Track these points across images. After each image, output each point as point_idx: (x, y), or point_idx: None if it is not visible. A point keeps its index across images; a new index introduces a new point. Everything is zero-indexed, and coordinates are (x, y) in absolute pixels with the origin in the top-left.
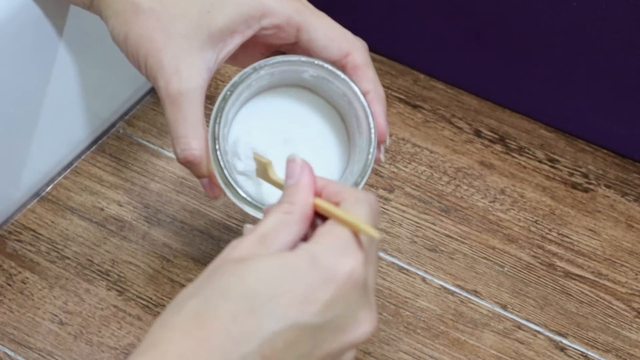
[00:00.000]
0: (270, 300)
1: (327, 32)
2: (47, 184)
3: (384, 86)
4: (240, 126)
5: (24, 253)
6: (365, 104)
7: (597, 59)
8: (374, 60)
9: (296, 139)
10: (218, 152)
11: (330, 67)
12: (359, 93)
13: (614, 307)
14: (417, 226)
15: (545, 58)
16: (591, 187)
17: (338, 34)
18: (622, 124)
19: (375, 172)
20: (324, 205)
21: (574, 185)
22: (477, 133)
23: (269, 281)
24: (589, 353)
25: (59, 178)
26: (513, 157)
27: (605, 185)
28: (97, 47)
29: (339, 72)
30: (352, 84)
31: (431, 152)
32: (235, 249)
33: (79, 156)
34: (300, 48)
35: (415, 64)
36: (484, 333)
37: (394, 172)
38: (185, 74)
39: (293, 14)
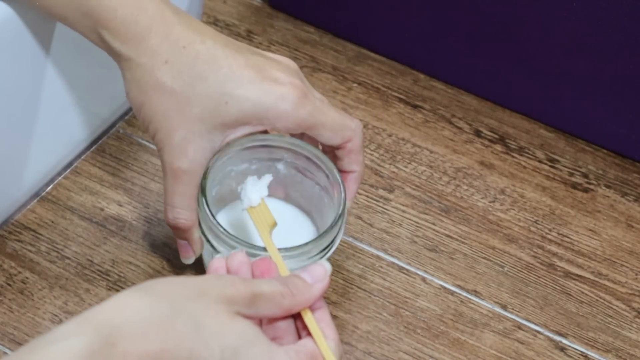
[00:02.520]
0: None
1: (333, 126)
2: (47, 184)
3: (383, 86)
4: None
5: (24, 253)
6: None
7: (597, 59)
8: (374, 60)
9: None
10: (211, 233)
11: (316, 157)
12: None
13: (614, 307)
14: (417, 226)
15: (545, 58)
16: (591, 187)
17: (341, 124)
18: (622, 124)
19: (375, 172)
20: (315, 329)
21: (574, 185)
22: (477, 133)
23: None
24: (589, 353)
25: (59, 178)
26: (513, 157)
27: (605, 185)
28: (97, 47)
29: (325, 161)
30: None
31: (431, 152)
32: (229, 286)
33: (79, 156)
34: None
35: (415, 64)
36: (484, 333)
37: (394, 172)
38: (191, 155)
39: (306, 118)
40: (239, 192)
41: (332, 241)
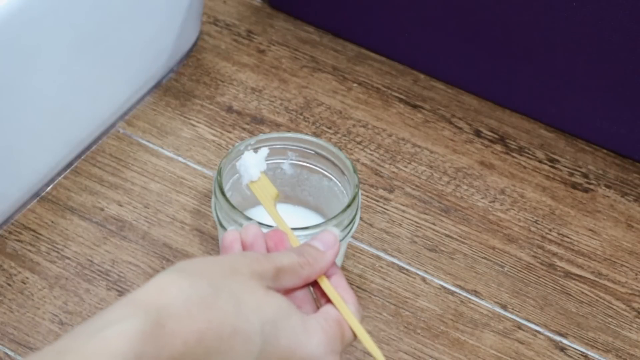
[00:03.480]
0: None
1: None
2: (47, 184)
3: (383, 86)
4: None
5: (24, 253)
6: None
7: (597, 59)
8: (374, 60)
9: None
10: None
11: (319, 147)
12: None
13: (614, 307)
14: (417, 226)
15: (545, 58)
16: (591, 187)
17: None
18: (622, 124)
19: (375, 172)
20: (334, 295)
21: (574, 185)
22: (477, 133)
23: (281, 332)
24: (589, 353)
25: (59, 178)
26: (513, 157)
27: (605, 185)
28: (97, 48)
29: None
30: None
31: (431, 152)
32: (255, 263)
33: (79, 156)
34: None
35: (415, 64)
36: (484, 333)
37: (394, 172)
38: None
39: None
40: (237, 169)
41: (354, 217)
